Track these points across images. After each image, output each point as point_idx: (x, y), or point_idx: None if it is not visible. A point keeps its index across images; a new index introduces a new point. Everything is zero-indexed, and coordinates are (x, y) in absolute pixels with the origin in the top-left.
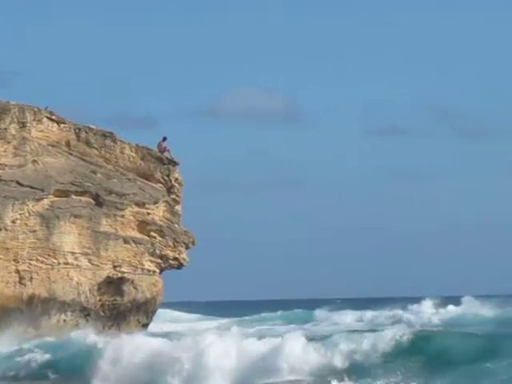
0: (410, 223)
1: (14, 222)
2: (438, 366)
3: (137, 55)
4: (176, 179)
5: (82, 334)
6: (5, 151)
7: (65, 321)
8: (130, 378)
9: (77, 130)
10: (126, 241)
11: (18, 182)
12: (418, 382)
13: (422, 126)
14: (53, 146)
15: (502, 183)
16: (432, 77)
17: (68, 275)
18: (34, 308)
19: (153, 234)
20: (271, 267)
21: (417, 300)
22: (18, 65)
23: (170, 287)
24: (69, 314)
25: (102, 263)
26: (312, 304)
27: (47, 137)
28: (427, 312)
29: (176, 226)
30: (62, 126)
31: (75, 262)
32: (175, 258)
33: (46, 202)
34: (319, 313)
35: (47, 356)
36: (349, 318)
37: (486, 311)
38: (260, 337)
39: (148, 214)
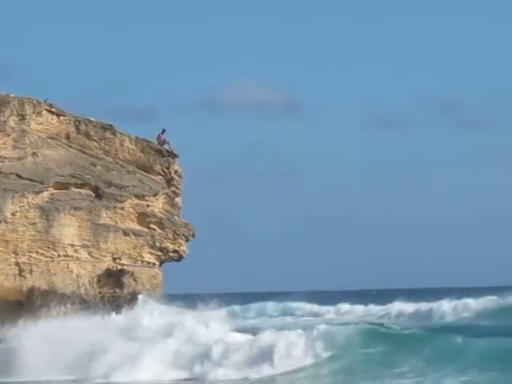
0: (409, 215)
1: (13, 214)
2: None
3: (137, 47)
4: (176, 171)
5: None
6: (4, 144)
7: (64, 313)
8: None
9: (76, 123)
10: (125, 233)
11: (18, 175)
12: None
13: (420, 118)
14: (52, 138)
15: (500, 174)
16: (431, 69)
17: (68, 267)
18: (34, 300)
19: (152, 226)
20: (271, 259)
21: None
22: (17, 57)
23: (170, 279)
24: (68, 306)
25: (101, 255)
26: (311, 296)
27: (47, 129)
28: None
29: (176, 218)
30: (62, 118)
31: (75, 255)
32: (175, 251)
33: (45, 194)
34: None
35: None
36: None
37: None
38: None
39: (148, 206)
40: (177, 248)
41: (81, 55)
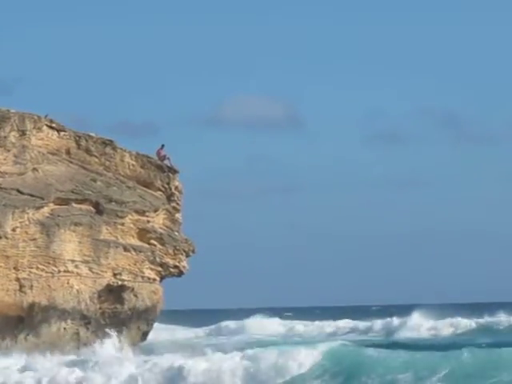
0: (410, 230)
1: (14, 230)
2: None
3: (138, 62)
4: (176, 187)
5: None
6: (5, 159)
7: (65, 329)
8: None
9: (77, 138)
10: (126, 249)
11: (18, 190)
12: None
13: (421, 133)
14: (53, 153)
15: (503, 189)
16: (432, 83)
17: (68, 283)
18: (35, 316)
19: (153, 241)
20: (271, 274)
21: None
22: (19, 72)
23: (171, 295)
24: (69, 321)
25: (102, 271)
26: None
27: (47, 145)
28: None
29: (176, 233)
30: (62, 133)
31: (75, 270)
32: (175, 266)
33: (46, 209)
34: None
35: None
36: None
37: None
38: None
39: (148, 221)
40: (177, 263)
41: (83, 70)
